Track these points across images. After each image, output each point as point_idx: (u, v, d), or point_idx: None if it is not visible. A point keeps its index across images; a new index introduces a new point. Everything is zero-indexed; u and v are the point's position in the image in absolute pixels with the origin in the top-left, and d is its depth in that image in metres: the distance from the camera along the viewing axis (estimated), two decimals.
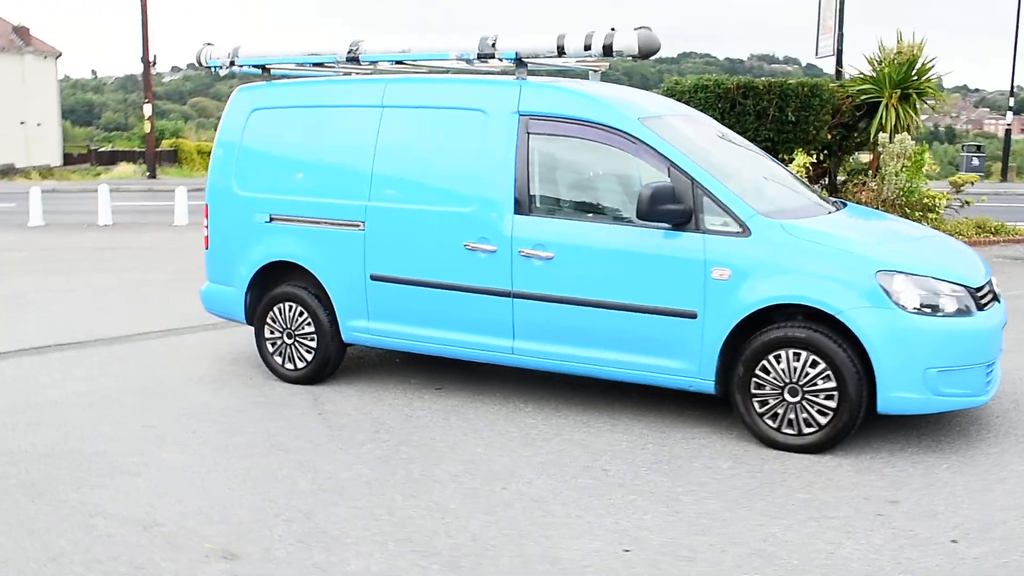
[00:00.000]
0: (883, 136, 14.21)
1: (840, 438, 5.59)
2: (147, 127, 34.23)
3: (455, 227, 6.40)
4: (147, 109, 33.88)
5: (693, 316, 5.77)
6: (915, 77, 14.43)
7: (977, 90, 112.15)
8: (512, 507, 4.93)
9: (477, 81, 6.70)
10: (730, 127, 11.05)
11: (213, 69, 7.61)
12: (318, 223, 6.92)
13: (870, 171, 14.97)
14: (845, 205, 6.75)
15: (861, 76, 15.02)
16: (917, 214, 13.93)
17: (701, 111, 9.38)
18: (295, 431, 6.11)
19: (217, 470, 5.45)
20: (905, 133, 14.05)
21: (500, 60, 6.44)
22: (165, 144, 44.83)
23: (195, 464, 5.54)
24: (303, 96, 7.24)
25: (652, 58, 6.29)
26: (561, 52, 6.23)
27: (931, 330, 5.44)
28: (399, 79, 6.95)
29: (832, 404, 5.54)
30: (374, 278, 6.75)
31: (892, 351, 5.40)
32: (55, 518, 4.79)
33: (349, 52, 6.92)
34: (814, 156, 15.34)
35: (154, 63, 33.68)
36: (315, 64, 7.29)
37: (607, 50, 6.10)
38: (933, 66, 14.55)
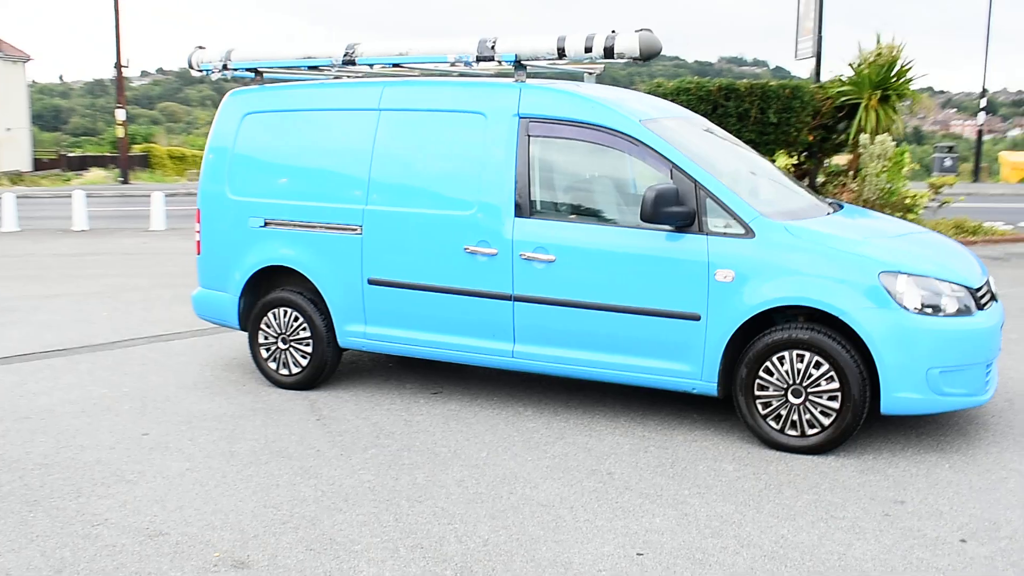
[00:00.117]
0: (864, 137, 14.32)
1: (843, 439, 5.61)
2: (120, 132, 33.88)
3: (455, 230, 6.36)
4: (120, 114, 33.55)
5: (696, 318, 5.77)
6: (894, 79, 14.56)
7: (943, 91, 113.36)
8: (520, 512, 4.90)
9: (476, 84, 6.66)
10: None
11: (205, 73, 7.52)
12: (314, 227, 6.86)
13: (850, 172, 15.09)
14: (842, 207, 6.77)
15: (840, 78, 15.14)
16: (897, 214, 14.03)
17: None
18: (295, 437, 6.05)
19: (217, 478, 5.38)
20: (886, 134, 14.16)
21: (499, 63, 6.41)
22: (136, 149, 44.41)
23: (195, 472, 5.47)
24: (297, 100, 7.18)
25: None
26: (562, 54, 6.21)
27: (933, 330, 5.47)
28: (397, 82, 6.90)
29: (835, 405, 5.55)
30: (372, 282, 6.70)
31: (895, 351, 5.43)
32: (55, 527, 4.71)
33: (345, 55, 6.87)
34: (795, 158, 15.45)
35: (127, 66, 33.36)
36: (310, 68, 7.22)
37: (608, 52, 6.09)
38: (912, 67, 14.70)
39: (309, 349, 6.98)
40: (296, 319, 7.00)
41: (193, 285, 7.89)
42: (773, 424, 5.72)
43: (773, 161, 13.95)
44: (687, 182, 5.80)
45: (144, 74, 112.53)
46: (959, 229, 15.57)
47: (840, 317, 5.49)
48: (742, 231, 5.70)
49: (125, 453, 5.77)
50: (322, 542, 4.55)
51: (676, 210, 5.71)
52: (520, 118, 6.26)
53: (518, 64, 6.39)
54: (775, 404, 5.70)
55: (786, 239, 5.65)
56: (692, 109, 13.83)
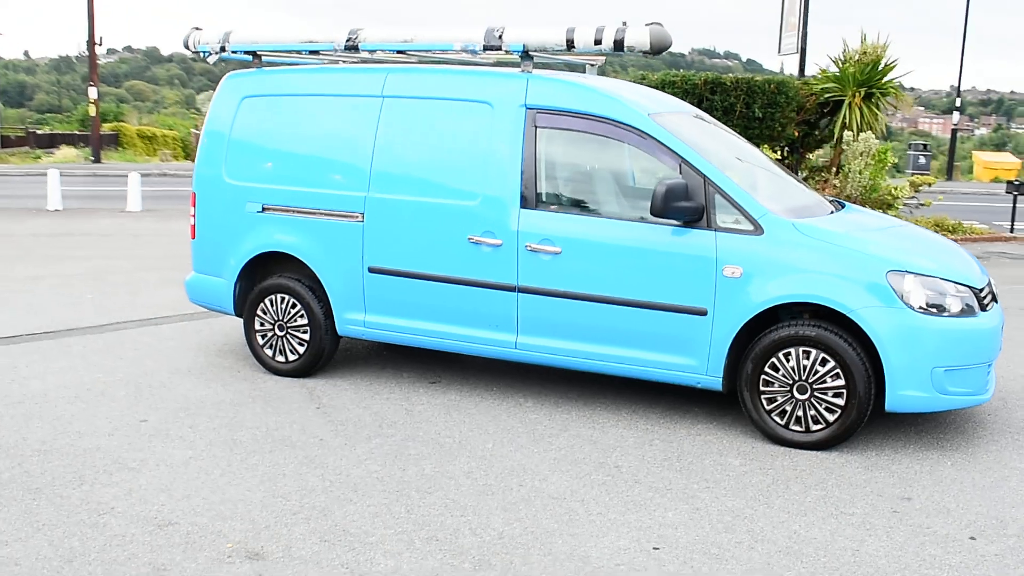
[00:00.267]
0: (848, 134, 14.41)
1: (847, 435, 5.65)
2: (92, 110, 33.34)
3: (459, 220, 6.32)
4: (92, 92, 33.00)
5: (703, 313, 5.78)
6: (879, 77, 14.66)
7: (912, 89, 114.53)
8: (532, 504, 4.89)
9: (482, 73, 6.60)
10: None
11: (202, 55, 7.42)
12: (314, 214, 6.79)
13: (832, 168, 15.19)
14: (843, 205, 6.81)
15: (825, 74, 15.22)
16: (877, 211, 14.14)
17: None
18: (296, 426, 5.99)
19: (222, 466, 5.32)
20: (870, 132, 14.26)
21: (507, 52, 6.37)
22: (106, 127, 43.76)
23: (199, 460, 5.41)
24: (298, 84, 7.09)
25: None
26: (571, 46, 6.17)
27: (938, 330, 5.52)
28: (401, 69, 6.83)
29: (840, 402, 5.59)
30: (372, 270, 6.64)
31: (901, 350, 5.47)
32: (60, 516, 4.63)
33: (348, 40, 6.79)
34: (778, 152, 15.54)
35: (100, 44, 32.84)
36: (311, 52, 7.14)
37: (618, 45, 6.06)
38: (895, 66, 14.81)
39: (306, 336, 6.92)
40: (294, 306, 6.93)
41: (176, 268, 7.80)
42: (778, 419, 5.75)
43: None
44: (696, 177, 5.81)
45: (111, 52, 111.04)
46: (938, 227, 15.73)
47: (848, 315, 5.52)
48: (751, 228, 5.71)
49: (125, 440, 5.69)
50: (335, 533, 4.52)
51: (686, 205, 5.71)
52: (527, 109, 6.23)
53: (525, 54, 6.35)
54: (780, 400, 5.72)
55: (795, 237, 5.67)
56: None
